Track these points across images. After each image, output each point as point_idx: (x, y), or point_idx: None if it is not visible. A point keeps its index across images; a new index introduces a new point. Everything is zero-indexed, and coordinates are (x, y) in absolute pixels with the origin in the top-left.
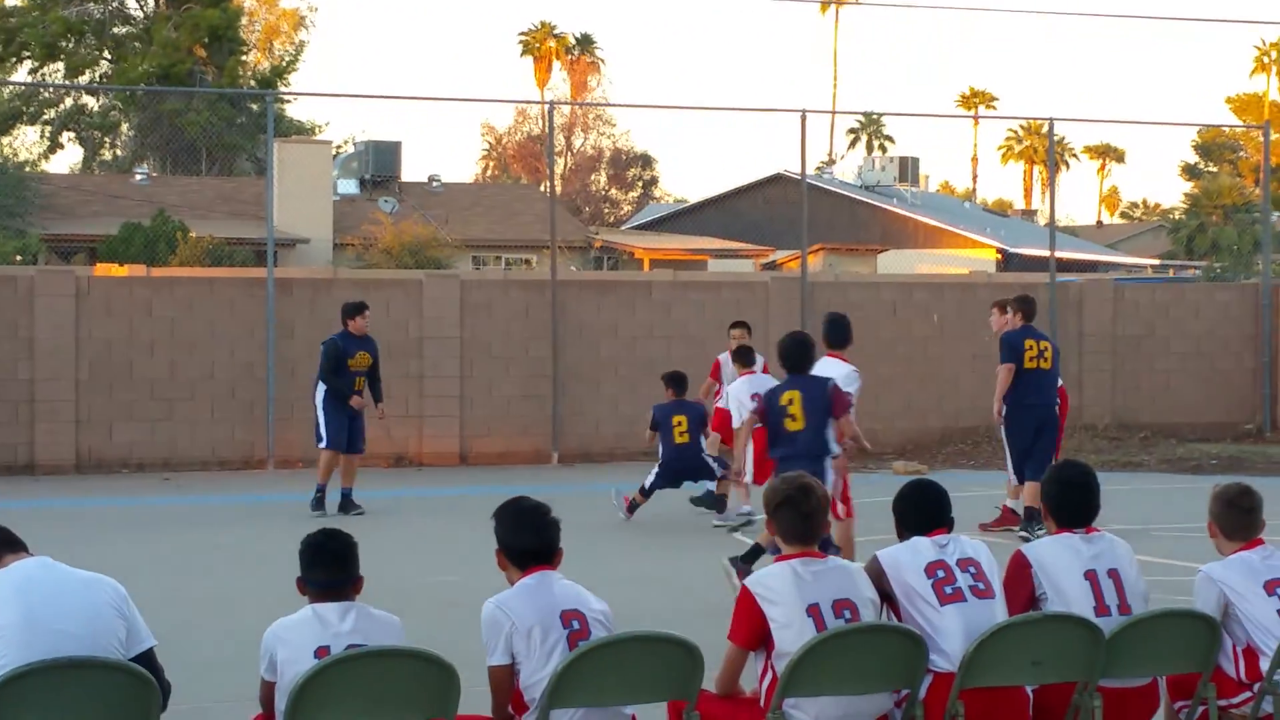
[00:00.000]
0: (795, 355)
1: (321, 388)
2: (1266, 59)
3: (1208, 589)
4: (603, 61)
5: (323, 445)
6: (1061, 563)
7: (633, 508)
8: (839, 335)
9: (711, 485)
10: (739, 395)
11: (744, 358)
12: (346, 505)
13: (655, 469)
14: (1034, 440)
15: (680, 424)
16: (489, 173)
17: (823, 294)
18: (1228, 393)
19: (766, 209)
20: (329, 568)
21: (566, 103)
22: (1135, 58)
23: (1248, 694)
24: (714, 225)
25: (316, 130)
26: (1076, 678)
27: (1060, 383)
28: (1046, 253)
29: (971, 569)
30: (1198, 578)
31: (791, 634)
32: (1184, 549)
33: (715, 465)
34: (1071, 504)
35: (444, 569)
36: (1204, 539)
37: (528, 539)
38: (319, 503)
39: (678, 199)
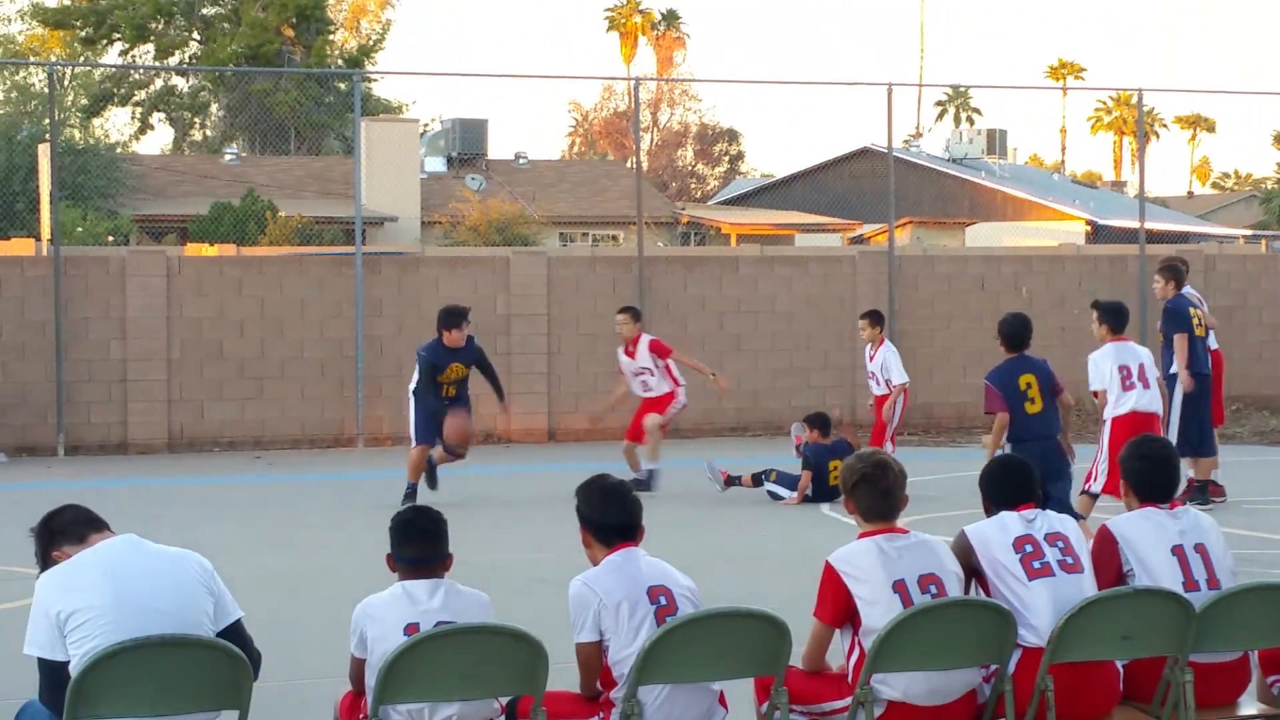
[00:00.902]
0: (1023, 334)
1: (410, 389)
2: None
3: None
4: (688, 36)
5: (414, 444)
6: (1148, 538)
7: (730, 481)
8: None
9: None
10: None
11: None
12: (430, 477)
13: (784, 486)
14: (1206, 409)
15: (835, 469)
16: (575, 149)
17: (910, 268)
18: None
19: (853, 183)
20: (419, 544)
21: (652, 79)
22: (1226, 25)
23: None
24: (800, 200)
25: (403, 109)
26: (1167, 652)
27: (1215, 346)
28: (1136, 224)
29: (1059, 544)
30: None
31: (878, 610)
32: (1275, 522)
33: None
34: (1154, 479)
35: (532, 546)
36: None
37: (613, 516)
38: (411, 498)
39: (764, 174)
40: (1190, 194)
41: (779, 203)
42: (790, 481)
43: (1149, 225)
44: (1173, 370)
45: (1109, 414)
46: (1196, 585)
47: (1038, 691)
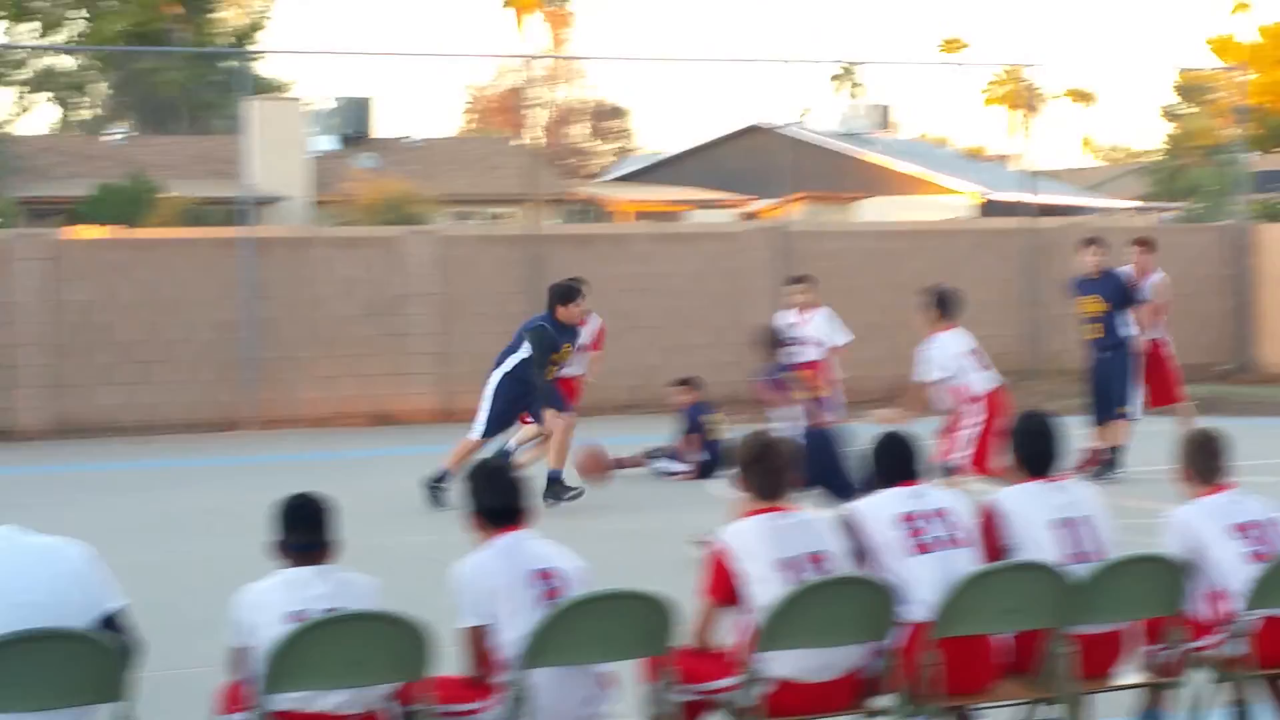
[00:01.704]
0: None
1: (503, 372)
2: None
3: (1178, 533)
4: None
5: (477, 435)
6: (1031, 512)
7: (620, 464)
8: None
9: None
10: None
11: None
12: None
13: (672, 460)
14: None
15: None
16: (470, 127)
17: (802, 243)
18: (1205, 334)
19: (746, 159)
20: (305, 530)
21: (541, 55)
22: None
23: (1218, 636)
24: (694, 176)
25: (289, 87)
26: (1048, 625)
27: None
28: (1025, 197)
29: (944, 519)
30: (1167, 522)
31: (766, 588)
32: (1159, 491)
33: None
34: (1039, 453)
35: (421, 529)
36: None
37: (499, 499)
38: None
39: (656, 151)
40: (1079, 167)
41: (672, 179)
42: (674, 453)
43: (1038, 198)
44: (1123, 334)
45: (976, 392)
46: (1079, 557)
47: (922, 666)
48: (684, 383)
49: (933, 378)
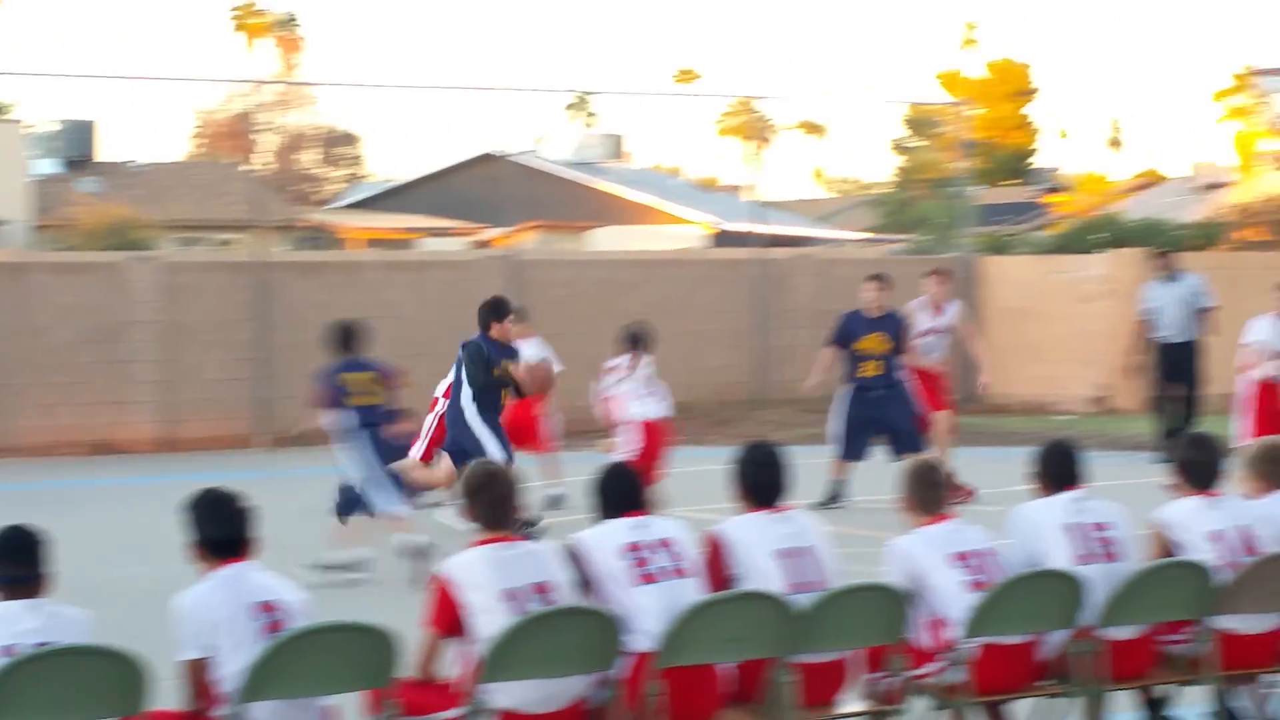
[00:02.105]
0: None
1: (474, 407)
2: (971, 35)
3: (898, 561)
4: (304, 40)
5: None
6: (755, 541)
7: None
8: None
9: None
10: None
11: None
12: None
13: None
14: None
15: None
16: (198, 152)
17: (533, 272)
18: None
19: (478, 187)
20: (15, 563)
21: (271, 80)
22: (849, 34)
23: (938, 664)
24: (426, 204)
25: (7, 110)
26: (771, 654)
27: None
28: (756, 227)
29: (668, 549)
30: (888, 550)
31: (489, 619)
32: (882, 520)
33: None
34: (764, 483)
35: (138, 560)
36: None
37: (221, 530)
38: None
39: (387, 178)
40: (810, 199)
41: (404, 207)
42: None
43: (769, 229)
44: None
45: (634, 418)
46: (801, 587)
47: (646, 696)
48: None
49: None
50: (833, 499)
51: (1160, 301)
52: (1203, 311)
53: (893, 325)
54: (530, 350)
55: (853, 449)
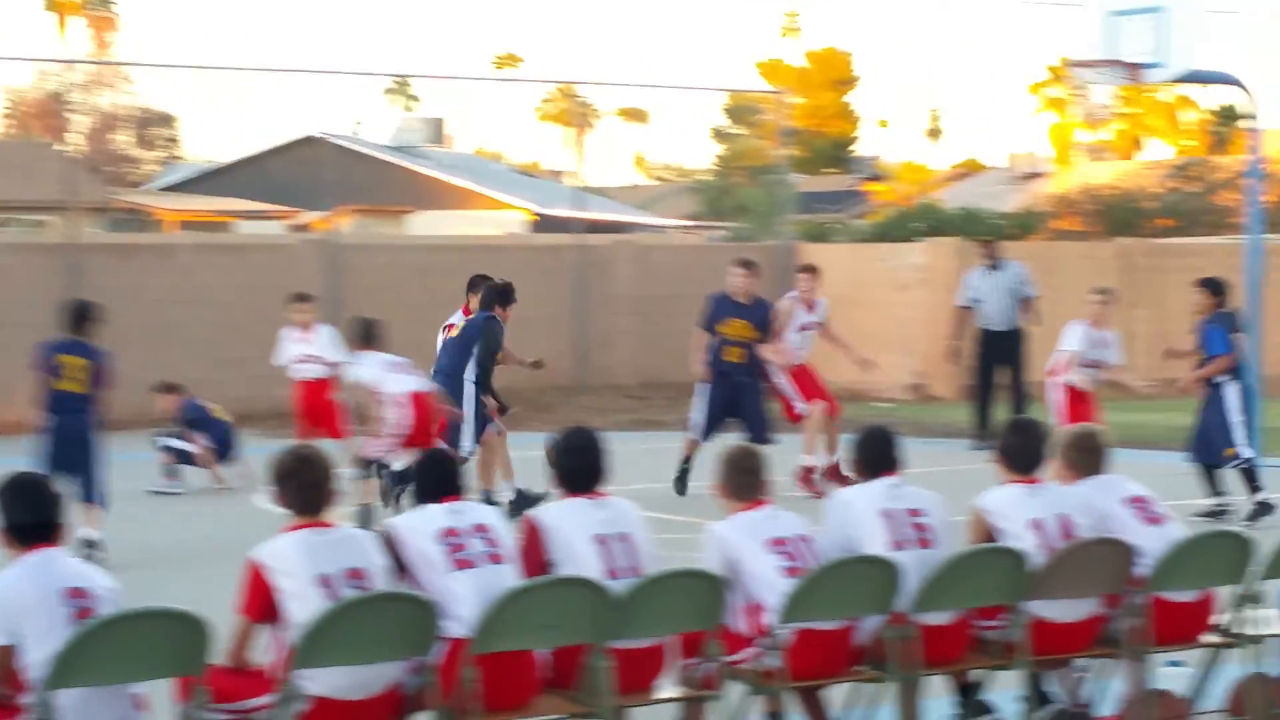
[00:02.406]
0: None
1: (471, 384)
2: (792, 24)
3: (715, 547)
4: (119, 17)
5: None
6: (572, 527)
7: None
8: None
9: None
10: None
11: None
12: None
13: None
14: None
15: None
16: (9, 131)
17: (351, 256)
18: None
19: (297, 170)
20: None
21: (84, 60)
22: (670, 21)
23: (754, 649)
24: (243, 187)
25: None
26: (587, 640)
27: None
28: (577, 213)
29: (484, 534)
30: (705, 536)
31: (303, 605)
32: (700, 507)
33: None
34: (581, 468)
35: None
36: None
37: (30, 514)
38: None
39: (206, 160)
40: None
41: (220, 189)
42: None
43: (590, 215)
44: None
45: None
46: (619, 573)
47: (461, 683)
48: (169, 388)
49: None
50: (682, 477)
51: (984, 290)
52: (1026, 300)
53: (760, 313)
54: (320, 339)
55: (706, 431)
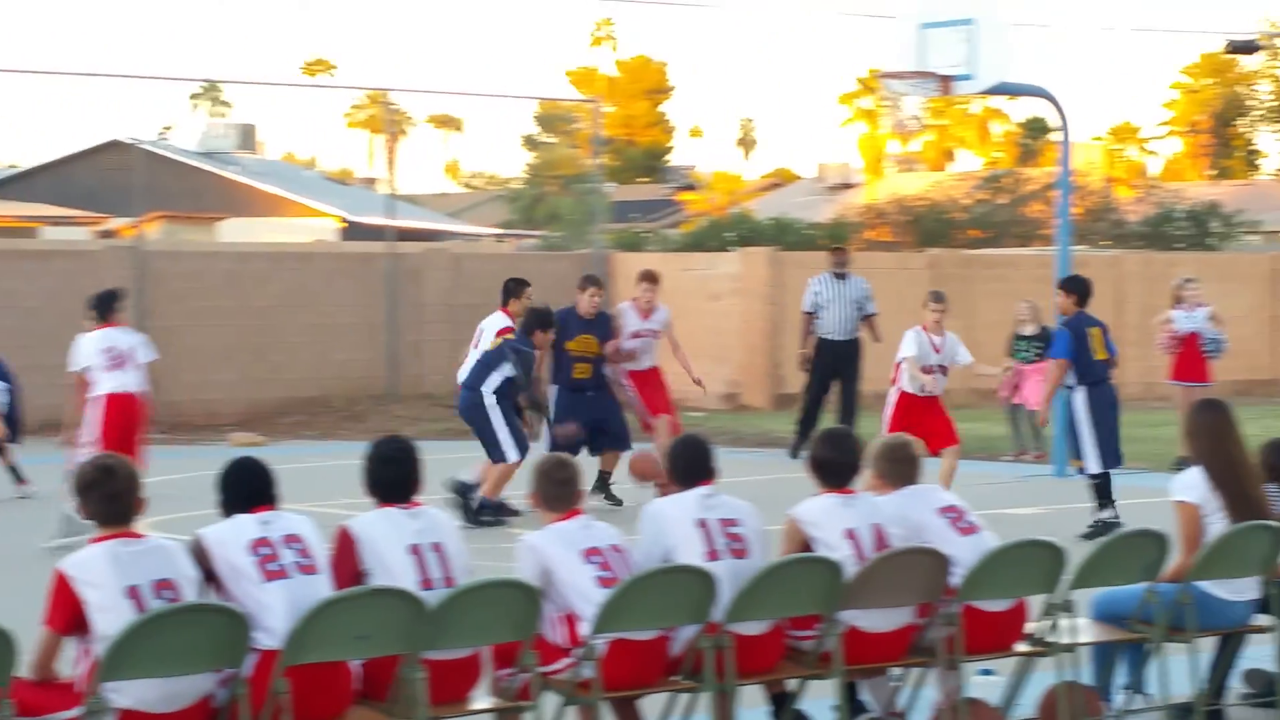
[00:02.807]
0: None
1: (492, 393)
2: (603, 33)
3: (528, 558)
4: None
5: (514, 458)
6: (386, 537)
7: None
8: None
9: None
10: None
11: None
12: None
13: None
14: None
15: None
16: None
17: (159, 263)
18: None
19: (103, 176)
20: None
21: None
22: (477, 28)
23: (568, 660)
24: (47, 192)
25: None
26: (400, 651)
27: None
28: (388, 221)
29: (296, 545)
30: (518, 546)
31: (111, 617)
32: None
33: None
34: (393, 478)
35: None
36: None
37: None
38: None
39: (9, 165)
40: (443, 193)
41: (24, 195)
42: None
43: (401, 223)
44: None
45: (98, 391)
46: (432, 583)
47: (273, 694)
48: None
49: (76, 368)
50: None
51: (827, 297)
52: (868, 317)
53: (603, 327)
54: (125, 338)
55: (575, 448)
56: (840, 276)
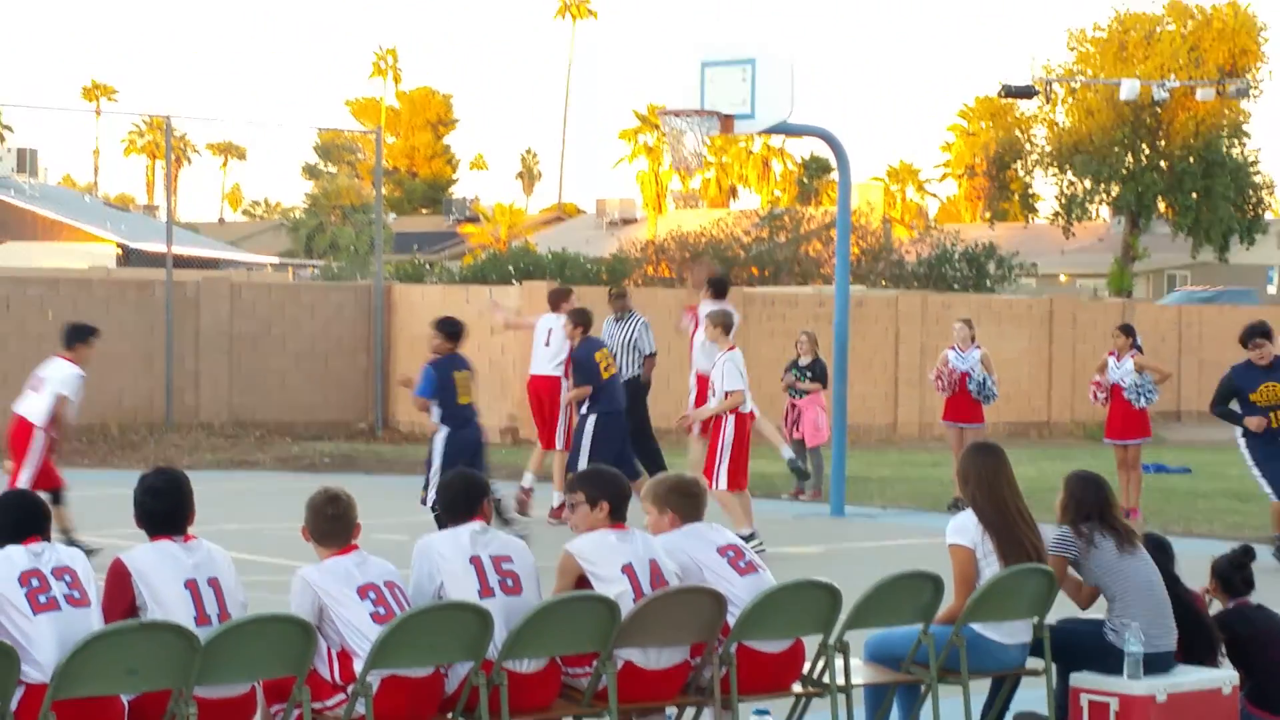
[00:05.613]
0: None
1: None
2: (384, 64)
3: (304, 592)
4: None
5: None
6: (162, 571)
7: None
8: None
9: None
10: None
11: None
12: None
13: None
14: None
15: None
16: None
17: None
18: (341, 392)
19: None
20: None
21: None
22: (259, 57)
23: (341, 696)
24: None
25: None
26: (171, 685)
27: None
28: (167, 249)
29: (67, 577)
30: (294, 581)
31: None
32: (293, 549)
33: None
34: (166, 510)
35: None
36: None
37: None
38: None
39: None
40: (222, 220)
41: None
42: None
43: (180, 250)
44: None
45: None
46: (208, 619)
47: None
48: None
49: None
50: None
51: (610, 340)
52: (647, 358)
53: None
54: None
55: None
56: (619, 319)
